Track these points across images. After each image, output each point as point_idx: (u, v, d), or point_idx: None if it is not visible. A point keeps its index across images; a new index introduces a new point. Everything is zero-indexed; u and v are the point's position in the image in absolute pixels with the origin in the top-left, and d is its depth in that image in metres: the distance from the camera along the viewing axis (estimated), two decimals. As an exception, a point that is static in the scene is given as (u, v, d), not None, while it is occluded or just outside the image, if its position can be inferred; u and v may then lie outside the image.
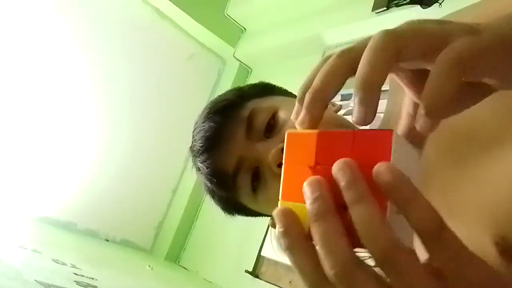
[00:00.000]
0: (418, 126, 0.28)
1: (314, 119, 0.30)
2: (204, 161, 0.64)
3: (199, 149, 0.64)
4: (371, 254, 0.26)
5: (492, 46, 0.28)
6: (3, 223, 2.35)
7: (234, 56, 3.29)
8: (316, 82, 0.30)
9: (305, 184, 0.28)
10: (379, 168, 0.26)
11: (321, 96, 0.30)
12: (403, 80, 0.32)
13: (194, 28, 3.15)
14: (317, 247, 0.27)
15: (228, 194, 0.64)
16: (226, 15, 3.18)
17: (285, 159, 0.31)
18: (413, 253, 0.26)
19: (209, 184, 0.66)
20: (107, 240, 2.97)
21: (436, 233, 0.25)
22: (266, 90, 0.70)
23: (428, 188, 0.50)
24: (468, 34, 0.28)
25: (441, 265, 0.26)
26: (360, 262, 0.27)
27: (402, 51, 0.28)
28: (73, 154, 2.79)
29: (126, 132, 2.98)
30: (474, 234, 0.44)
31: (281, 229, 0.29)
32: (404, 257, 0.25)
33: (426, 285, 0.25)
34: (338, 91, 0.31)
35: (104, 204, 2.91)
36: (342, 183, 0.27)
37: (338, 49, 0.31)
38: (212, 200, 0.70)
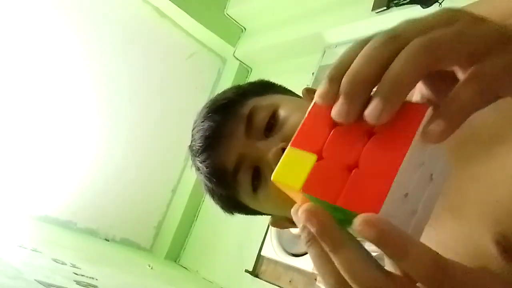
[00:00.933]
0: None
1: (358, 111, 0.26)
2: (203, 160, 0.63)
3: (198, 148, 0.63)
4: None
5: None
6: (3, 222, 2.35)
7: (234, 56, 3.29)
8: (364, 68, 0.26)
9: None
10: (360, 222, 0.24)
11: (367, 88, 0.26)
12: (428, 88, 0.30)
13: (194, 28, 3.15)
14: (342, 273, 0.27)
15: (228, 192, 0.64)
16: (226, 14, 3.18)
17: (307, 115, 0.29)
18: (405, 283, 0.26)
19: (208, 183, 0.65)
20: (107, 239, 2.97)
21: (439, 276, 0.25)
22: (266, 88, 0.69)
23: None
24: (504, 48, 0.26)
25: None
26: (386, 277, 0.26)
27: (440, 62, 0.25)
28: (73, 153, 2.79)
29: (126, 131, 2.98)
30: (475, 233, 0.44)
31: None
32: None
33: None
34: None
35: (104, 203, 2.91)
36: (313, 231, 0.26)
37: (381, 33, 0.27)
38: (212, 199, 0.69)
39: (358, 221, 0.24)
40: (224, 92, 0.68)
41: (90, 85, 2.85)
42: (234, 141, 0.61)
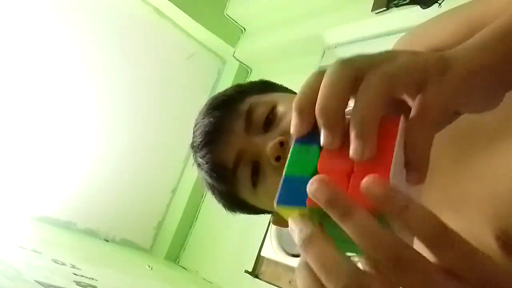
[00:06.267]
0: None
1: (341, 135, 0.29)
2: (204, 156, 0.64)
3: (199, 144, 0.64)
4: (380, 262, 0.26)
5: (461, 86, 0.29)
6: (3, 223, 2.35)
7: (233, 56, 3.29)
8: (332, 101, 0.29)
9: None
10: (367, 182, 0.26)
11: (341, 115, 0.29)
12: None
13: (194, 28, 3.16)
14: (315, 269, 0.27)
15: (228, 189, 0.64)
16: (226, 15, 3.18)
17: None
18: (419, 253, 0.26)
19: (209, 179, 0.66)
20: (107, 240, 2.97)
21: (439, 237, 0.25)
22: (266, 86, 0.70)
23: (430, 183, 0.50)
24: (438, 74, 0.29)
25: (452, 266, 0.26)
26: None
27: (393, 92, 0.28)
28: (73, 154, 2.79)
29: (126, 131, 2.98)
30: (475, 228, 0.44)
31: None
32: (417, 258, 0.25)
33: (446, 285, 0.25)
34: None
35: (104, 204, 2.91)
36: (321, 205, 0.26)
37: (336, 62, 0.30)
38: (213, 196, 0.70)
39: (366, 181, 0.26)
40: (224, 90, 0.70)
41: (90, 86, 2.85)
42: (234, 136, 0.61)
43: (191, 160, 0.71)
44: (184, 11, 3.01)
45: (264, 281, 2.34)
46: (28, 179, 2.63)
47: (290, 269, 2.19)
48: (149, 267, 2.38)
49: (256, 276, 2.39)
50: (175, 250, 3.09)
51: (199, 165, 0.66)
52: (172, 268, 2.92)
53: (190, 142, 0.70)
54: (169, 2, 2.92)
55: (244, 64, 3.34)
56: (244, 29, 3.28)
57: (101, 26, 2.86)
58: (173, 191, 3.23)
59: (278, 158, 0.57)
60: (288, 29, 2.84)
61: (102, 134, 2.89)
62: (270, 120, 0.61)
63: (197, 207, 3.12)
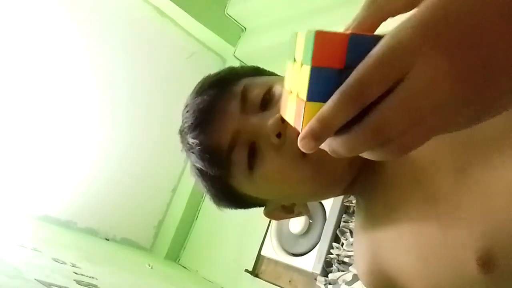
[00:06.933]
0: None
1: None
2: (196, 136, 0.60)
3: (191, 124, 0.61)
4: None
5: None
6: (3, 221, 2.35)
7: (234, 55, 3.29)
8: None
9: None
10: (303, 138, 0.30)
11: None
12: None
13: (194, 27, 3.15)
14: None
15: (221, 173, 0.60)
16: (226, 14, 3.18)
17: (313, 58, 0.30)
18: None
19: (200, 164, 0.62)
20: (107, 239, 2.97)
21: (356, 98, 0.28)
22: (259, 70, 0.69)
23: (417, 195, 0.49)
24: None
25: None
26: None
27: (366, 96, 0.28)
28: (73, 153, 2.79)
29: (126, 131, 2.98)
30: (458, 244, 0.43)
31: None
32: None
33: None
34: None
35: (104, 203, 2.91)
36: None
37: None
38: (202, 184, 0.66)
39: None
40: (217, 72, 0.67)
41: (89, 85, 2.85)
42: (229, 116, 0.59)
43: (181, 144, 0.68)
44: (185, 10, 3.00)
45: (264, 280, 2.34)
46: (29, 178, 2.63)
47: (290, 268, 2.19)
48: (149, 266, 2.38)
49: (256, 275, 2.39)
50: (176, 249, 3.09)
51: (189, 148, 0.62)
52: (172, 267, 2.93)
53: (179, 128, 0.66)
54: (169, 1, 2.92)
55: (245, 64, 3.34)
56: (245, 28, 3.27)
57: (100, 26, 2.86)
58: (174, 190, 3.23)
59: (279, 135, 0.54)
60: (289, 28, 2.82)
61: (102, 133, 2.89)
62: (267, 100, 0.58)
63: (198, 206, 3.12)
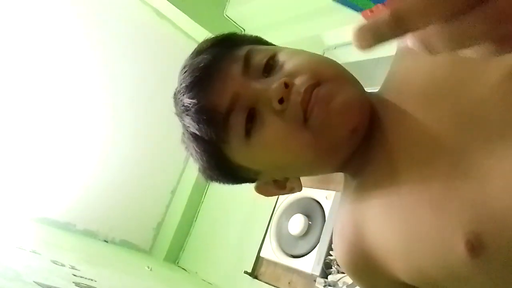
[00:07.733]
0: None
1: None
2: (194, 96, 0.57)
3: (189, 83, 0.58)
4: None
5: None
6: (2, 224, 2.35)
7: (233, 57, 3.29)
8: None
9: None
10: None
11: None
12: None
13: (193, 29, 3.15)
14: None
15: (217, 136, 0.57)
16: (225, 15, 3.18)
17: None
18: None
19: (195, 126, 0.58)
20: (106, 241, 2.97)
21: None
22: (261, 41, 0.69)
23: (412, 173, 0.48)
24: None
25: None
26: None
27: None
28: (72, 155, 2.79)
29: (126, 133, 2.98)
30: (447, 230, 0.43)
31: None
32: None
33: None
34: None
35: (103, 205, 2.90)
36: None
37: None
38: (194, 149, 0.62)
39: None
40: (218, 34, 0.65)
41: (90, 87, 2.85)
42: (230, 78, 0.56)
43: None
44: (184, 12, 3.01)
45: (263, 282, 2.34)
46: (28, 180, 2.63)
47: (290, 270, 2.19)
48: (149, 268, 2.38)
49: (256, 277, 2.39)
50: (175, 251, 3.09)
51: (184, 110, 0.59)
52: (171, 269, 2.92)
53: (174, 92, 0.63)
54: (168, 3, 2.92)
55: (244, 65, 3.34)
56: (244, 30, 3.28)
57: (99, 28, 2.86)
58: (173, 192, 3.23)
59: (281, 101, 0.52)
60: (288, 30, 2.84)
61: (101, 135, 2.89)
62: (271, 66, 0.56)
63: (197, 208, 3.12)
